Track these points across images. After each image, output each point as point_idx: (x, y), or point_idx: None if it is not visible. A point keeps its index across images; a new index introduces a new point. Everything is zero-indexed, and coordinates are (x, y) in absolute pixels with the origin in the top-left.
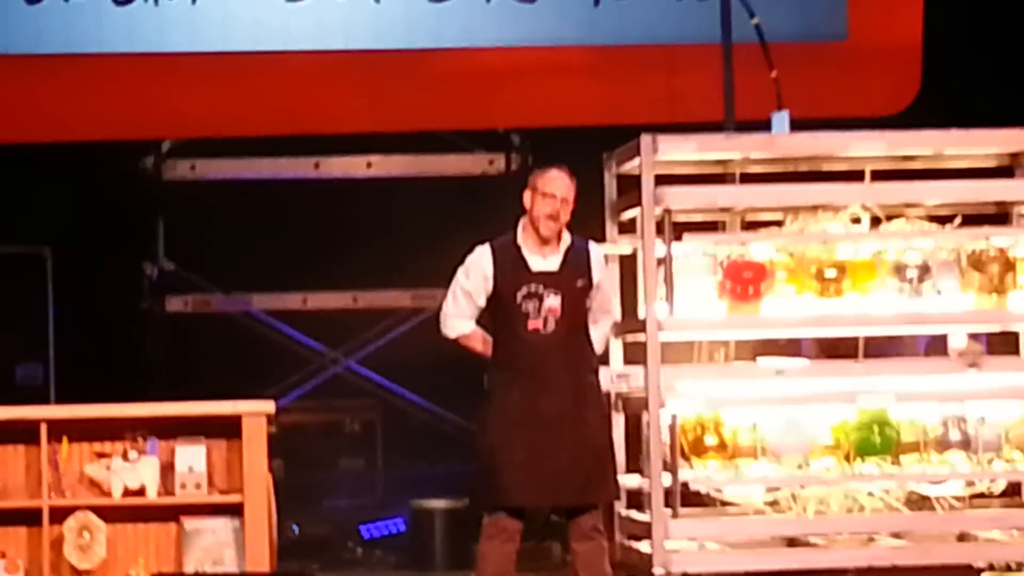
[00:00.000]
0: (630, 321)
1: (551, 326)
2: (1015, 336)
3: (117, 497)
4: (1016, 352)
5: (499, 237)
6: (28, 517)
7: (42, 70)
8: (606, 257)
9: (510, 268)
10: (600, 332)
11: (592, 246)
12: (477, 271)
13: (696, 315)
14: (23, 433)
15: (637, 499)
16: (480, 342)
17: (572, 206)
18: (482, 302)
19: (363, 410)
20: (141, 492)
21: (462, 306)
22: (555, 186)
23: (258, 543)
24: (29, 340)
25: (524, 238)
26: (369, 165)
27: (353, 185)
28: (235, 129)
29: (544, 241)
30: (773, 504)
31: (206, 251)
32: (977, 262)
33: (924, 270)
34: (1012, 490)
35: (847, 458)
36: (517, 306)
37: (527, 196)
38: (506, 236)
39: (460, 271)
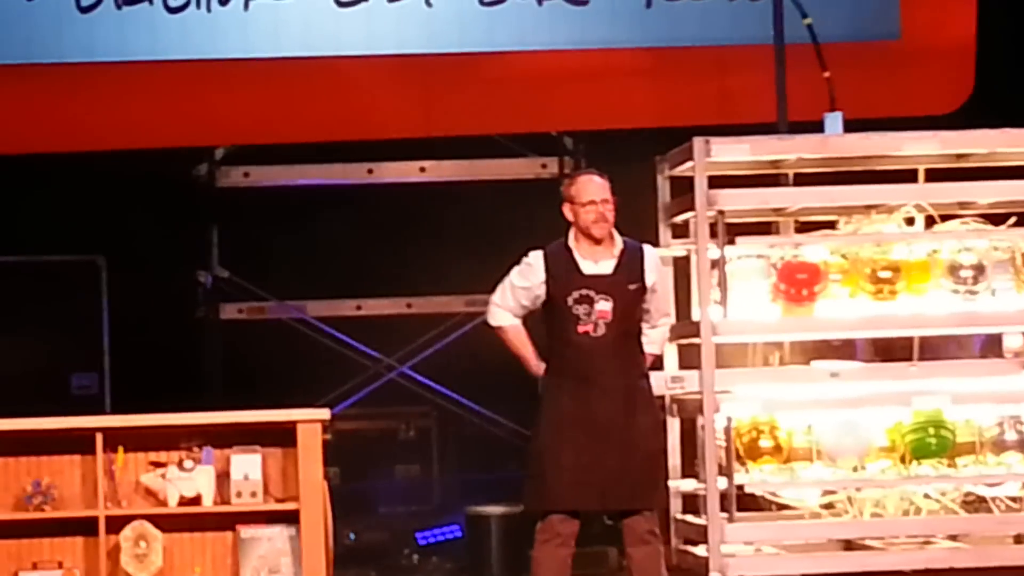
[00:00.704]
0: (684, 324)
1: (601, 330)
2: None
3: (173, 506)
4: None
5: (552, 243)
6: (84, 527)
7: (96, 78)
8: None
9: (562, 273)
10: (659, 334)
11: (647, 249)
12: (530, 275)
13: (750, 318)
14: (79, 443)
15: (693, 503)
16: (519, 340)
17: (614, 200)
18: (528, 303)
19: (418, 417)
20: (197, 501)
21: (508, 299)
22: (591, 191)
23: (314, 551)
24: (84, 349)
25: (576, 243)
26: (422, 170)
27: (406, 190)
28: (288, 135)
29: (598, 242)
30: (829, 507)
31: (260, 258)
32: None
33: (979, 270)
34: None
35: (903, 460)
36: (568, 309)
37: (567, 209)
38: (559, 241)
39: (515, 269)
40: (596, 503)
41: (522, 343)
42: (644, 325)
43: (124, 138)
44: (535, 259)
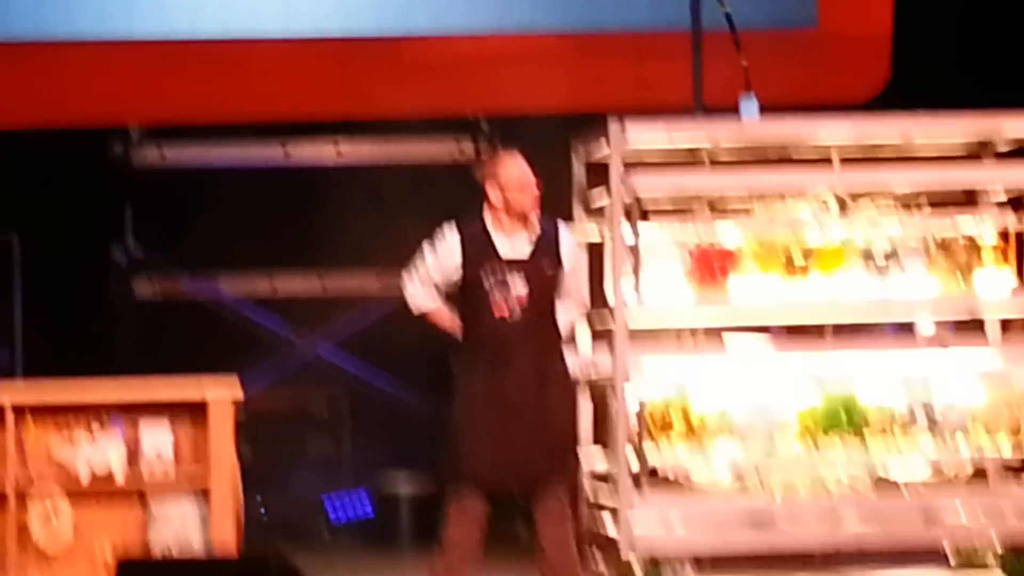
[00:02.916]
0: (598, 307)
1: (517, 313)
2: (981, 321)
3: (84, 480)
4: (982, 336)
5: (468, 220)
6: None
7: (11, 56)
8: None
9: (478, 254)
10: (566, 317)
11: (563, 231)
12: (444, 255)
13: (664, 301)
14: None
15: (605, 480)
16: (447, 319)
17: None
18: (445, 281)
19: (331, 393)
20: (107, 475)
21: (426, 283)
22: (523, 176)
23: (224, 525)
24: None
25: (494, 224)
26: (338, 151)
27: (322, 171)
28: (205, 116)
29: (524, 223)
30: (740, 487)
31: (175, 237)
32: (944, 248)
33: (891, 256)
34: (978, 474)
35: (814, 441)
36: (484, 292)
37: (492, 192)
38: (474, 220)
39: (427, 250)
40: (508, 482)
41: (449, 320)
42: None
43: (40, 117)
44: (450, 238)
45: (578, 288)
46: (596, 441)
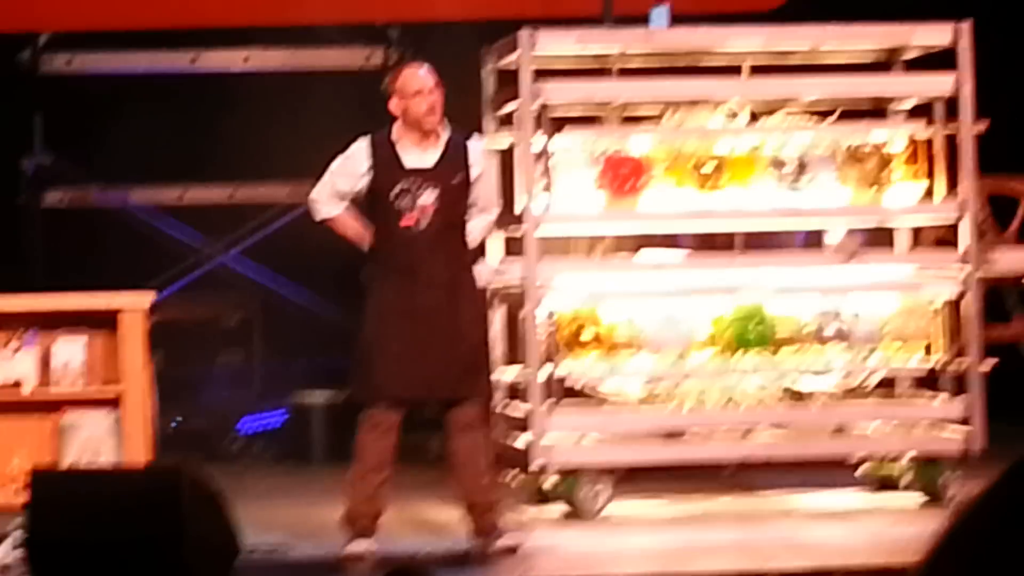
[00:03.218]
0: (508, 215)
1: (424, 223)
2: (891, 230)
3: None
4: (891, 246)
5: (379, 132)
6: None
7: None
8: None
9: (386, 164)
10: (477, 226)
11: (472, 140)
12: (352, 162)
13: (574, 209)
14: None
15: (516, 393)
16: (350, 228)
17: (442, 91)
18: (351, 190)
19: (241, 304)
20: (18, 385)
21: (332, 190)
22: (418, 82)
23: (137, 436)
24: None
25: (399, 136)
26: (246, 59)
27: (231, 79)
28: (113, 22)
29: (425, 135)
30: (651, 398)
31: (84, 145)
32: (854, 157)
33: (801, 165)
34: (887, 383)
35: (725, 352)
36: (391, 203)
37: (393, 104)
38: (384, 131)
39: (336, 160)
40: (421, 393)
41: (353, 228)
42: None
43: None
44: (359, 147)
45: (490, 193)
46: (507, 352)
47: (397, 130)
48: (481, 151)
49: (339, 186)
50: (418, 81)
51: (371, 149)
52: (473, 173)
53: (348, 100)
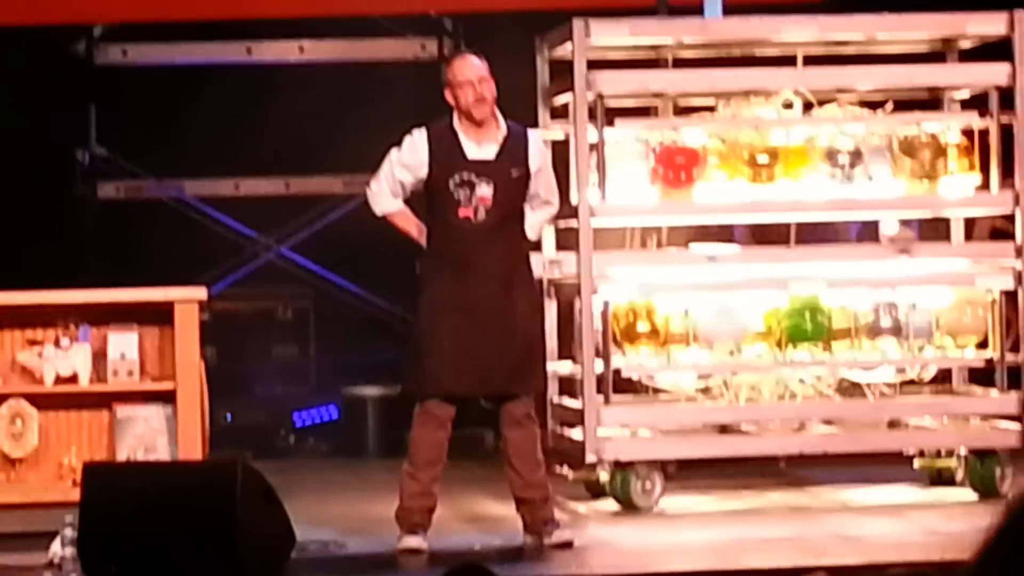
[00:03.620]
0: (563, 207)
1: (482, 215)
2: (946, 222)
3: (49, 384)
4: (947, 238)
5: (437, 122)
6: None
7: None
8: None
9: (445, 155)
10: (536, 219)
11: (532, 133)
12: (412, 153)
13: (628, 201)
14: None
15: (570, 386)
16: (409, 222)
17: (493, 81)
18: (410, 182)
19: (296, 297)
20: (73, 379)
21: (391, 183)
22: (467, 71)
23: (190, 430)
24: None
25: (460, 125)
26: (301, 50)
27: (286, 70)
28: (167, 13)
29: (480, 125)
30: (705, 391)
31: (139, 137)
32: (909, 148)
33: (856, 156)
34: (942, 377)
35: (779, 345)
36: (449, 193)
37: (448, 93)
38: (443, 121)
39: (394, 150)
40: (474, 387)
41: (411, 224)
42: (526, 207)
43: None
44: (418, 137)
45: (550, 185)
46: (560, 342)
47: (458, 121)
48: (540, 144)
49: (398, 176)
50: (468, 70)
51: (429, 139)
52: (532, 166)
53: (403, 91)
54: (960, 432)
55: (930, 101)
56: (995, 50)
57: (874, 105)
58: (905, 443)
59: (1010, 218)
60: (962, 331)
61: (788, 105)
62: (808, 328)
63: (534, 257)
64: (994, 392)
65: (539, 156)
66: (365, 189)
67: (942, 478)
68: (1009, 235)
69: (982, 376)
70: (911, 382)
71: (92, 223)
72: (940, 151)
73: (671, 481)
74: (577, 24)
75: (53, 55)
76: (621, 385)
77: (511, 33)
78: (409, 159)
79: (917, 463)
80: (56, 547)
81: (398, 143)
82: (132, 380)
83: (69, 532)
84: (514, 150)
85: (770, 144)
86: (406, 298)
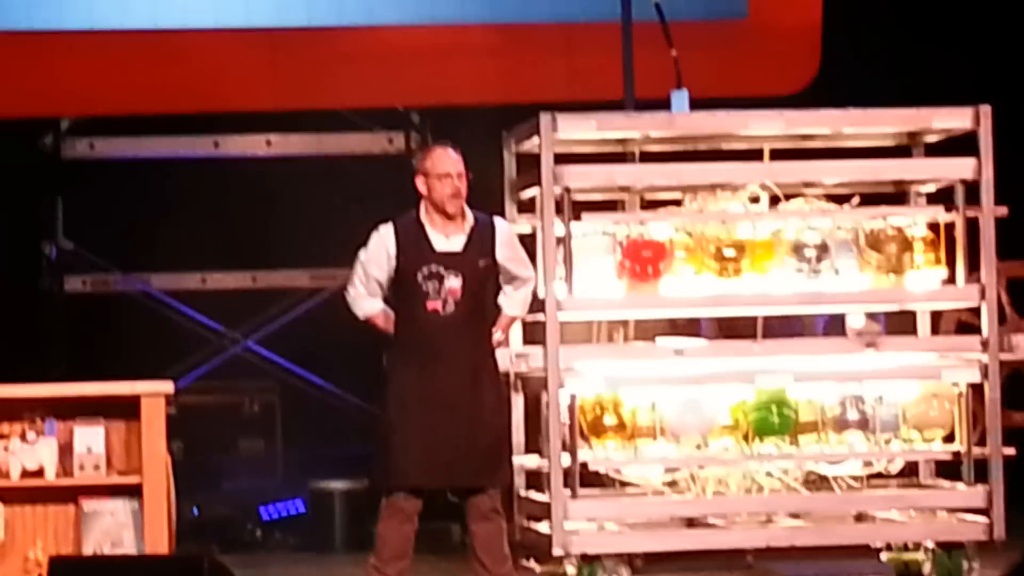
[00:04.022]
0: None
1: (451, 307)
2: (912, 316)
3: (15, 478)
4: (914, 332)
5: (403, 216)
6: None
7: None
8: None
9: (413, 247)
10: (520, 295)
11: (498, 223)
12: (379, 250)
13: (595, 295)
14: None
15: (537, 480)
16: (390, 322)
17: (468, 177)
18: (386, 278)
19: (262, 391)
20: (40, 473)
21: (367, 285)
22: (446, 164)
23: (157, 524)
24: None
25: (428, 217)
26: (269, 143)
27: (253, 164)
28: (135, 107)
29: (449, 218)
30: (672, 485)
31: (105, 231)
32: (875, 242)
33: (822, 250)
34: (909, 470)
35: (746, 438)
36: (417, 286)
37: (420, 182)
38: (410, 215)
39: (362, 252)
40: (441, 480)
41: (391, 324)
42: (506, 288)
43: None
44: (385, 232)
45: (522, 264)
46: (527, 435)
47: (425, 213)
48: (507, 231)
49: (373, 275)
50: (447, 163)
51: (395, 234)
52: (499, 256)
53: (371, 185)
54: (927, 525)
55: (896, 195)
56: (961, 144)
57: (840, 199)
58: (872, 536)
59: (976, 311)
60: (929, 424)
61: (755, 199)
62: (775, 422)
63: (502, 350)
64: (961, 485)
65: (507, 245)
66: (331, 283)
67: (909, 571)
68: (975, 328)
69: (949, 469)
70: (878, 475)
71: (59, 316)
72: (906, 245)
73: (638, 574)
74: (544, 118)
75: (20, 148)
76: (588, 478)
77: (477, 127)
78: (379, 256)
79: (884, 556)
80: None
81: (366, 238)
82: (98, 474)
83: None
84: (481, 240)
85: (737, 238)
86: (372, 391)
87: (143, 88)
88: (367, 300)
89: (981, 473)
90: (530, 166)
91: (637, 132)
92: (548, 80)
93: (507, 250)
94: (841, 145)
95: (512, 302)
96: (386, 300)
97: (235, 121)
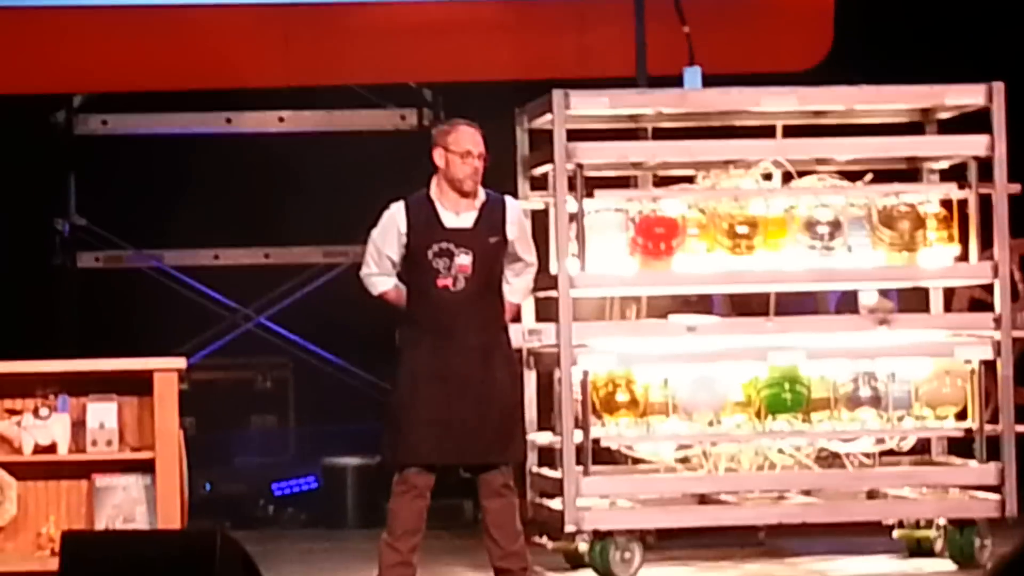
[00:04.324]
0: (542, 277)
1: (461, 284)
2: (925, 293)
3: (28, 454)
4: (926, 309)
5: (414, 193)
6: None
7: None
8: None
9: (423, 224)
10: (522, 283)
11: (509, 201)
12: (391, 228)
13: (608, 271)
14: None
15: (549, 456)
16: (401, 296)
17: (487, 159)
18: (398, 256)
19: (275, 367)
20: (52, 449)
21: (380, 264)
22: (469, 142)
23: (169, 500)
24: None
25: (439, 194)
26: (281, 120)
27: (265, 140)
28: (147, 83)
29: (464, 195)
30: (684, 461)
31: (118, 207)
32: (888, 219)
33: (835, 226)
34: (921, 447)
35: (758, 415)
36: (428, 263)
37: (438, 155)
38: (420, 192)
39: (375, 231)
40: (453, 457)
41: (404, 299)
42: (508, 274)
43: None
44: (396, 210)
45: (528, 248)
46: (539, 412)
47: (435, 189)
48: (518, 211)
49: (386, 253)
50: (470, 141)
51: (407, 211)
52: (510, 234)
53: (383, 161)
54: (939, 502)
55: (909, 172)
56: (974, 121)
57: (853, 176)
58: (884, 513)
59: (989, 288)
60: (941, 401)
61: (767, 176)
62: (787, 399)
63: (514, 327)
64: (973, 462)
65: (516, 224)
66: (343, 259)
67: (921, 548)
68: (988, 306)
69: (961, 446)
70: (890, 452)
71: (71, 293)
72: (919, 222)
73: (650, 551)
74: (557, 95)
75: (33, 125)
76: (600, 455)
77: (490, 104)
78: (390, 234)
79: (896, 533)
80: None
81: (378, 215)
82: (111, 449)
83: None
84: (491, 217)
85: (749, 215)
86: (384, 368)
87: (156, 64)
88: (380, 278)
89: (993, 450)
90: (543, 142)
91: (650, 109)
92: (561, 56)
93: (516, 229)
94: (854, 122)
95: (514, 290)
96: (400, 276)
97: (248, 97)
